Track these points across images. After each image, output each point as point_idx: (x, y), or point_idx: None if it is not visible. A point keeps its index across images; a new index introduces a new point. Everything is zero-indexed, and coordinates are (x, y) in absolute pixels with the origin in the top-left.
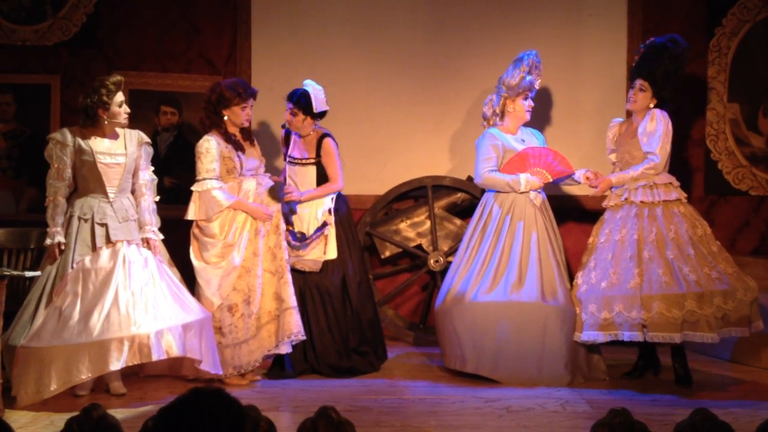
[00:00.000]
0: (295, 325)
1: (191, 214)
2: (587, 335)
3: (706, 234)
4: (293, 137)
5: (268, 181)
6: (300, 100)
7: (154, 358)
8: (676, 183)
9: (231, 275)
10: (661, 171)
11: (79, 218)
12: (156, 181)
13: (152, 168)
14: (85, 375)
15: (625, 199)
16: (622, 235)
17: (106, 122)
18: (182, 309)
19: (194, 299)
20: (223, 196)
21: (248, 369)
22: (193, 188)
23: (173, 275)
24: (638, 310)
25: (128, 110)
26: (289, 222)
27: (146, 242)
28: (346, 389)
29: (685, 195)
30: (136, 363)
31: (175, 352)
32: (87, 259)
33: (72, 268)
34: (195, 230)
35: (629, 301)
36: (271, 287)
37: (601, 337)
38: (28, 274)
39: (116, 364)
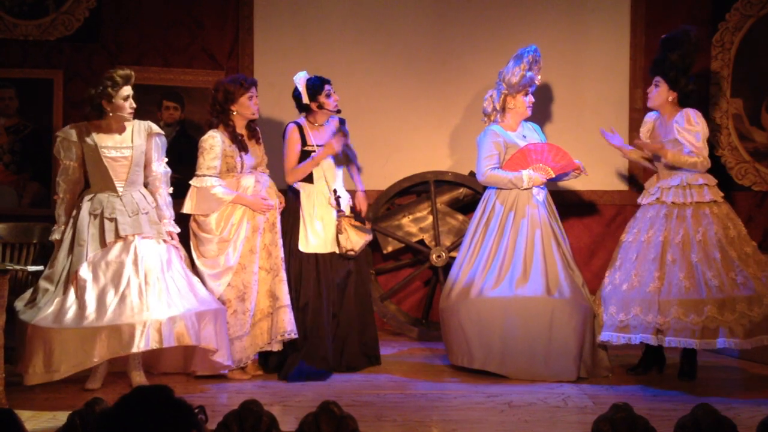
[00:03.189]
0: (288, 323)
1: (187, 208)
2: (604, 335)
3: (739, 235)
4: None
5: (266, 178)
6: None
7: (165, 344)
8: (713, 182)
9: (227, 274)
10: (702, 171)
11: (90, 214)
12: (170, 173)
13: (166, 159)
14: (96, 358)
15: (657, 198)
16: (648, 236)
17: (110, 114)
18: (195, 298)
19: (208, 291)
20: (224, 192)
21: (240, 365)
22: (191, 182)
23: (186, 267)
24: (655, 314)
25: (134, 105)
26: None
27: (170, 235)
28: (349, 384)
29: (722, 194)
30: (148, 349)
31: (188, 340)
32: (98, 254)
33: (86, 262)
34: (192, 225)
35: (647, 304)
36: (265, 285)
37: (615, 338)
38: (31, 268)
39: (128, 349)
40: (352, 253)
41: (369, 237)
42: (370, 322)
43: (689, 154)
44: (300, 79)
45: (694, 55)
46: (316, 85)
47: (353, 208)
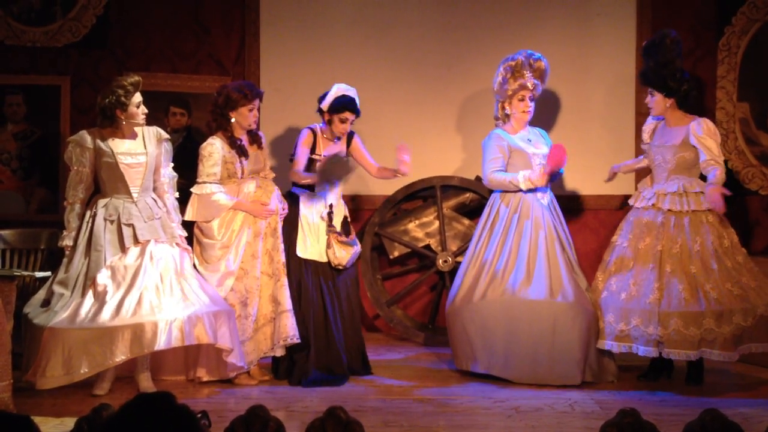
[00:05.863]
0: (290, 329)
1: (189, 215)
2: (602, 343)
3: (732, 243)
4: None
5: (267, 183)
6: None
7: (187, 342)
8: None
9: (228, 279)
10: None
11: (105, 219)
12: (176, 178)
13: (172, 164)
14: (119, 357)
15: (653, 204)
16: (646, 244)
17: (123, 123)
18: (209, 299)
19: (218, 293)
20: (225, 198)
21: (243, 370)
22: (192, 190)
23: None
24: (655, 326)
25: (146, 110)
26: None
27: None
28: (355, 389)
29: None
30: (169, 347)
31: (207, 338)
32: (116, 258)
33: (104, 268)
34: (196, 231)
35: (647, 315)
36: (268, 290)
37: (615, 347)
38: (39, 274)
39: (151, 347)
40: (340, 267)
41: (357, 249)
42: (358, 330)
43: (706, 162)
44: (337, 89)
45: (675, 59)
46: (339, 106)
47: (345, 218)
